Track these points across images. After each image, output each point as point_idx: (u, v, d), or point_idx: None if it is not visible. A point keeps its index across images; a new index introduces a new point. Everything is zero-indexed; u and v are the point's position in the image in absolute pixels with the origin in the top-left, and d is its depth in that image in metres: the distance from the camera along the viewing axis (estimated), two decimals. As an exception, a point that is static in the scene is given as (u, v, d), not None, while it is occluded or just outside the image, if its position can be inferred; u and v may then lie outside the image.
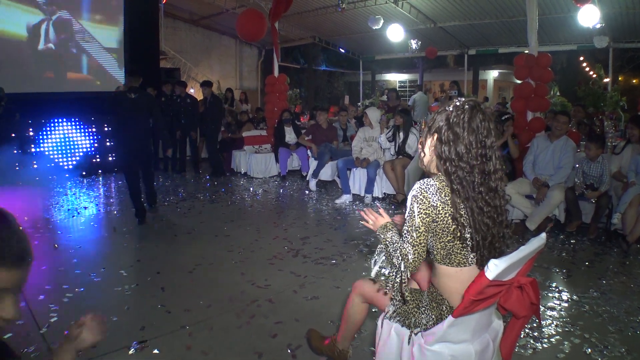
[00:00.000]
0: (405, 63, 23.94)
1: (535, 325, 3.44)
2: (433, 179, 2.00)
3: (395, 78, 26.75)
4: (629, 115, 10.70)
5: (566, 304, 3.91)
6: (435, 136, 2.03)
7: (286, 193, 8.26)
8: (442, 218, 1.96)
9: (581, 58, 19.23)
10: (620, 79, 18.01)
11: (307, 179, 8.57)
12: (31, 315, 3.59)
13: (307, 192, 8.21)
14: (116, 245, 5.49)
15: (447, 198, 1.96)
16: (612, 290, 4.22)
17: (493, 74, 24.60)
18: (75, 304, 3.82)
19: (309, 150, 8.97)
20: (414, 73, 24.50)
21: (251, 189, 8.59)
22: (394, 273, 2.16)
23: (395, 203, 7.24)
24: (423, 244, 1.99)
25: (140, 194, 6.41)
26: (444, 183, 1.99)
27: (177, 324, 3.47)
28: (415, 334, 2.12)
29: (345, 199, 7.47)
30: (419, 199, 1.96)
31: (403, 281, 2.11)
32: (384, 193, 7.71)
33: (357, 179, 7.77)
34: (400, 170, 7.22)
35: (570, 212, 5.86)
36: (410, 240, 1.98)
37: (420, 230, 1.96)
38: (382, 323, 2.32)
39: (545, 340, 3.30)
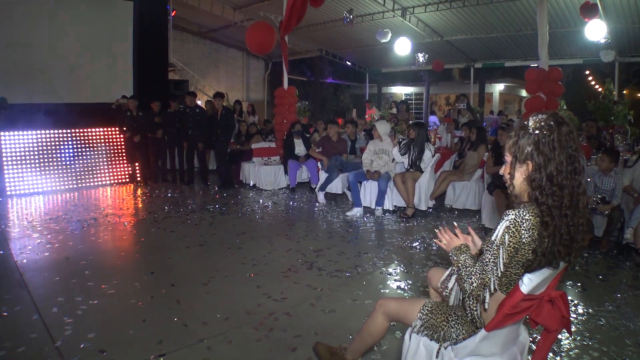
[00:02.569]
0: (411, 76, 24.02)
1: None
2: (528, 212, 1.90)
3: (401, 91, 26.83)
4: (634, 129, 10.72)
5: (583, 318, 3.89)
6: (530, 165, 1.93)
7: (296, 205, 8.25)
8: (523, 253, 1.89)
9: (587, 72, 19.29)
10: (625, 92, 18.04)
11: (316, 191, 8.57)
12: (45, 327, 3.57)
13: (317, 204, 8.20)
14: (128, 257, 5.47)
15: (536, 235, 1.87)
16: (627, 303, 4.20)
17: (499, 87, 24.68)
18: (90, 317, 3.78)
19: (318, 163, 8.97)
20: (420, 86, 24.61)
21: (261, 201, 8.58)
22: (463, 296, 2.11)
23: (405, 217, 7.22)
24: (505, 275, 1.94)
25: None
26: (537, 218, 1.89)
27: (195, 338, 3.45)
28: (445, 348, 2.12)
29: (356, 211, 7.45)
30: (511, 231, 1.88)
31: (475, 308, 2.08)
32: (395, 205, 7.70)
33: (368, 191, 7.76)
34: (411, 184, 7.21)
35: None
36: (495, 270, 1.90)
37: (506, 263, 1.90)
38: (409, 337, 2.31)
39: (564, 353, 3.28)
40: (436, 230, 2.35)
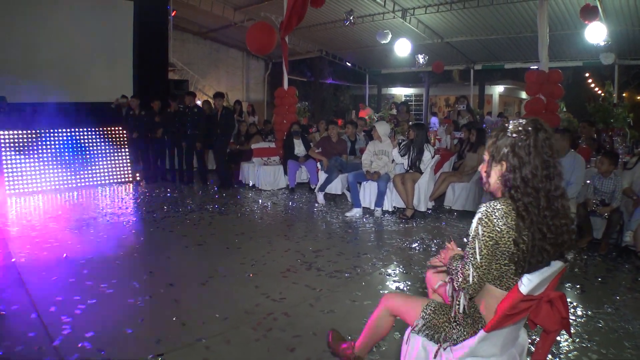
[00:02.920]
0: (411, 77, 24.01)
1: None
2: (500, 202, 1.99)
3: (401, 92, 26.83)
4: (634, 132, 10.73)
5: (582, 320, 3.89)
6: (504, 165, 2.02)
7: (295, 206, 8.25)
8: (504, 242, 1.95)
9: (587, 74, 19.29)
10: (625, 95, 18.05)
11: (315, 192, 8.57)
12: (43, 326, 3.56)
13: (316, 205, 8.19)
14: (127, 257, 5.44)
15: (512, 222, 1.94)
16: (626, 306, 4.19)
17: (498, 89, 24.68)
18: (88, 316, 3.77)
19: (318, 163, 8.97)
20: (420, 87, 24.60)
21: (260, 201, 8.57)
22: (455, 295, 2.15)
23: (405, 218, 7.22)
24: (485, 267, 1.99)
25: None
26: (510, 207, 1.97)
27: (194, 337, 3.44)
28: (444, 349, 2.12)
29: (356, 212, 7.44)
30: (484, 222, 1.97)
31: (463, 303, 2.11)
32: (394, 207, 7.69)
33: (367, 192, 7.76)
34: (411, 185, 7.21)
35: (581, 227, 5.82)
36: (473, 262, 1.98)
37: (483, 253, 1.96)
38: (408, 337, 2.31)
39: (563, 355, 3.28)
40: (430, 263, 2.45)
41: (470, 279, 1.99)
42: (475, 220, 2.01)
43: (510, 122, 2.06)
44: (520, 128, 2.00)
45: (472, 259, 1.98)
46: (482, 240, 1.95)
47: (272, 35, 9.92)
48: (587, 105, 12.77)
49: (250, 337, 3.47)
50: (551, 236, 1.95)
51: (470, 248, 2.00)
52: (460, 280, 2.03)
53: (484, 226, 1.96)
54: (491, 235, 1.95)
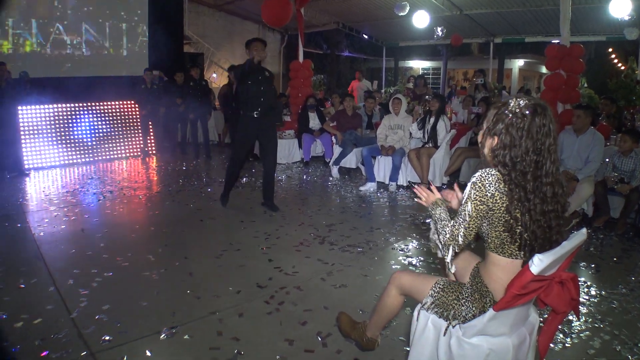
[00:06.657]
0: (429, 50, 23.71)
1: (564, 319, 3.39)
2: (495, 169, 2.02)
3: (418, 65, 26.52)
4: (657, 110, 10.49)
5: (595, 300, 3.87)
6: (496, 139, 2.04)
7: (310, 179, 8.26)
8: (498, 207, 1.98)
9: (610, 50, 18.86)
10: (647, 72, 17.65)
11: (330, 165, 8.55)
12: (61, 299, 3.63)
13: (330, 178, 8.19)
14: (143, 230, 5.52)
15: (504, 189, 1.97)
16: (641, 287, 4.16)
17: (518, 63, 24.27)
18: (104, 288, 3.83)
19: (333, 137, 8.93)
20: (438, 60, 24.28)
21: (274, 174, 8.56)
22: (440, 248, 2.19)
23: (419, 192, 7.18)
24: (473, 229, 2.04)
25: (234, 179, 6.60)
26: (502, 175, 2.00)
27: (207, 310, 3.49)
28: (453, 327, 2.12)
29: (370, 186, 7.44)
30: (477, 186, 1.99)
31: (449, 258, 2.15)
32: (409, 181, 7.66)
33: (382, 166, 7.73)
34: (426, 160, 7.17)
35: (598, 206, 5.76)
36: (463, 223, 2.03)
37: (473, 216, 2.00)
38: (418, 314, 2.32)
39: (575, 335, 3.27)
40: (414, 188, 2.49)
41: (460, 239, 2.05)
42: (469, 184, 2.04)
43: (513, 99, 2.05)
44: (518, 109, 1.99)
45: (461, 219, 2.04)
46: (474, 203, 2.00)
47: (287, 7, 9.79)
48: (608, 82, 12.50)
49: (263, 311, 3.51)
50: (538, 218, 1.97)
51: (462, 209, 2.05)
52: (447, 237, 2.08)
53: (477, 190, 1.99)
54: (483, 200, 1.99)
